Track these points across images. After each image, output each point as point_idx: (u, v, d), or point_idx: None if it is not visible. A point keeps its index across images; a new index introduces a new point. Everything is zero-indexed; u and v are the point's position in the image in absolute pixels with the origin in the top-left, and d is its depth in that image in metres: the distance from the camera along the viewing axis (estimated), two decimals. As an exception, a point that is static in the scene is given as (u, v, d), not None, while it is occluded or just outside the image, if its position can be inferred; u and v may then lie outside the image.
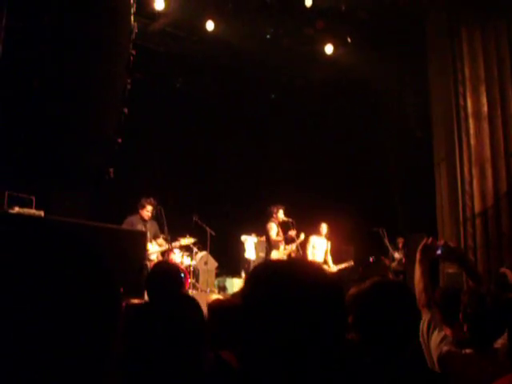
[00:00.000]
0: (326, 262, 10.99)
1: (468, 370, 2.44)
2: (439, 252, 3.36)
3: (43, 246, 1.00)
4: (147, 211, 9.35)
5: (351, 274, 11.66)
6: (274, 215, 10.63)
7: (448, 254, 3.42)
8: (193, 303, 2.38)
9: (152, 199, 9.41)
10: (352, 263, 11.12)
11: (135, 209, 9.45)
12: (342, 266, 11.04)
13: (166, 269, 4.10)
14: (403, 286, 2.43)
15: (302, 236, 10.77)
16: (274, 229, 10.57)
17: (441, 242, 3.40)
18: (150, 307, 3.87)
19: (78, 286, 0.99)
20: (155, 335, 2.19)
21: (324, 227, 11.07)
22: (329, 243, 11.14)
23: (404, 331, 2.20)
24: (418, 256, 3.35)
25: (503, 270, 7.88)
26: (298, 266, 1.51)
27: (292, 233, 10.59)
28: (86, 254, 1.08)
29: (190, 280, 10.90)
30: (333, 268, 10.88)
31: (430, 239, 3.42)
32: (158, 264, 4.89)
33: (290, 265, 1.56)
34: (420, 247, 3.37)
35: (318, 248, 11.02)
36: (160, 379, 1.97)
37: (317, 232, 11.04)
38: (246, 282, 1.52)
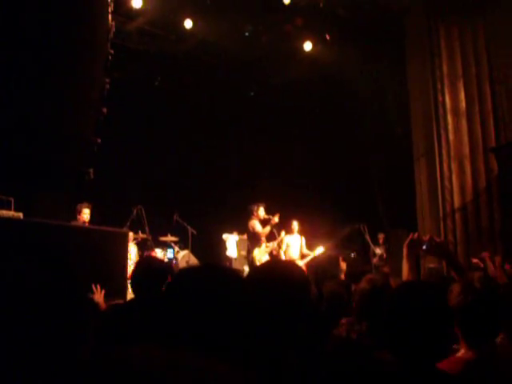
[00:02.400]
0: (303, 256, 11.00)
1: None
2: (425, 247, 3.36)
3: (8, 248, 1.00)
4: (85, 214, 9.24)
5: (333, 266, 11.64)
6: (255, 213, 10.62)
7: (434, 249, 3.41)
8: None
9: (86, 203, 9.27)
10: (322, 249, 11.04)
11: (74, 215, 9.30)
12: (309, 257, 10.99)
13: (150, 264, 4.06)
14: (434, 287, 2.36)
15: (283, 234, 10.78)
16: (257, 225, 10.56)
17: (426, 237, 3.40)
18: (127, 308, 3.85)
19: (38, 286, 0.98)
20: (131, 335, 2.18)
21: (295, 224, 11.07)
22: (303, 238, 11.14)
23: (437, 335, 2.13)
24: (404, 251, 3.35)
25: (475, 260, 7.95)
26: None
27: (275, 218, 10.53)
28: (46, 253, 1.07)
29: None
30: (301, 262, 10.84)
31: (416, 234, 3.42)
32: (143, 260, 4.85)
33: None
34: (406, 242, 3.38)
35: (293, 246, 11.03)
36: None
37: (289, 231, 11.03)
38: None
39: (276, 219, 10.44)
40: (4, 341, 0.95)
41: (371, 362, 2.13)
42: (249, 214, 10.67)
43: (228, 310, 1.45)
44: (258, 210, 10.60)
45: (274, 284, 1.93)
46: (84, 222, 9.21)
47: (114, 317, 3.77)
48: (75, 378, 1.03)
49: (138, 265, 4.14)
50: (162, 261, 4.57)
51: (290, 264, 2.36)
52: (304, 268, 10.68)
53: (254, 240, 10.59)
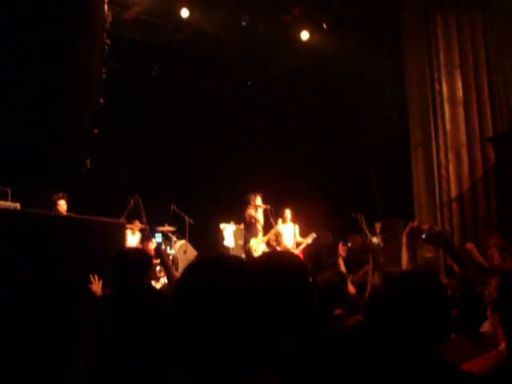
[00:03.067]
0: (298, 244, 11.02)
1: (456, 355, 2.44)
2: (424, 236, 3.35)
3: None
4: (60, 206, 9.17)
5: (330, 255, 11.66)
6: (252, 202, 10.62)
7: (433, 238, 3.39)
8: (153, 292, 2.39)
9: (62, 193, 9.19)
10: (314, 235, 11.04)
11: (52, 206, 9.22)
12: (303, 245, 10.99)
13: (129, 256, 4.08)
14: (433, 276, 2.37)
15: (280, 223, 10.79)
16: (254, 212, 10.58)
17: (426, 226, 3.38)
18: (115, 297, 3.87)
19: (33, 278, 0.98)
20: (120, 323, 2.19)
21: (288, 213, 11.07)
22: (296, 226, 11.14)
23: (436, 323, 2.15)
24: (404, 240, 3.32)
25: (469, 245, 7.94)
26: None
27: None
28: (35, 245, 1.08)
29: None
30: (296, 251, 10.86)
31: (416, 223, 3.39)
32: (123, 251, 4.86)
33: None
34: (406, 231, 3.34)
35: (287, 235, 11.04)
36: (128, 368, 1.97)
37: (282, 220, 11.03)
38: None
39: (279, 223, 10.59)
40: None
41: (364, 353, 2.13)
42: (246, 204, 10.68)
43: (243, 304, 1.44)
44: (255, 199, 10.60)
45: (272, 275, 1.94)
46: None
47: (104, 306, 3.81)
48: (72, 372, 1.03)
49: (116, 257, 4.14)
50: (141, 252, 4.57)
51: (287, 254, 2.36)
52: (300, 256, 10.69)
53: (250, 230, 10.60)
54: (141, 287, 3.77)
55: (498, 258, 7.22)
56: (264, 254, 3.61)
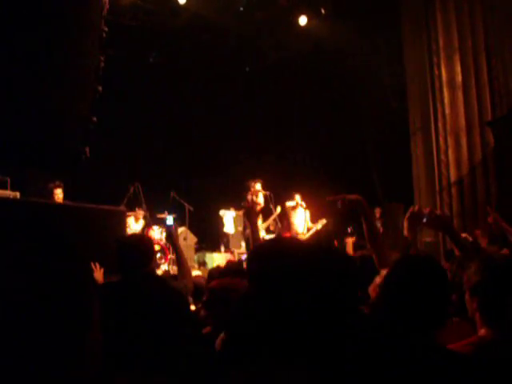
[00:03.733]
0: (309, 230, 11.05)
1: (455, 338, 2.45)
2: (425, 220, 3.34)
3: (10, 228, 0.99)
4: (56, 194, 9.08)
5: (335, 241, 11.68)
6: (252, 189, 10.64)
7: (434, 222, 3.38)
8: (158, 281, 2.39)
9: (58, 181, 9.09)
10: (324, 221, 11.07)
11: (48, 195, 9.11)
12: (312, 231, 11.02)
13: (133, 243, 3.99)
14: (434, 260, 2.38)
15: (279, 209, 10.81)
16: (250, 198, 10.60)
17: (427, 210, 3.37)
18: (121, 285, 3.83)
19: (42, 267, 0.98)
20: (126, 312, 2.19)
21: (297, 198, 11.10)
22: (307, 211, 11.16)
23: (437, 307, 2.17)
24: (405, 224, 3.33)
25: (464, 235, 7.93)
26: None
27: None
28: (49, 232, 1.07)
29: (169, 256, 10.92)
30: (306, 235, 10.89)
31: (417, 207, 3.39)
32: (126, 237, 4.82)
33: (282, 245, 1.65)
34: (407, 216, 3.35)
35: (298, 219, 11.07)
36: (134, 356, 1.97)
37: (293, 205, 11.06)
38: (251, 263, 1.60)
39: (278, 210, 10.58)
40: (6, 324, 0.94)
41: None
42: (246, 190, 10.69)
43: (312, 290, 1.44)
44: (254, 185, 10.62)
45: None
46: None
47: (107, 294, 3.76)
48: (82, 363, 1.04)
49: (119, 244, 4.05)
50: (145, 239, 4.46)
51: (291, 240, 2.36)
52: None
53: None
54: (149, 276, 3.71)
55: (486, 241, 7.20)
56: (269, 240, 3.57)
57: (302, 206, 11.09)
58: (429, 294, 2.15)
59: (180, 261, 4.54)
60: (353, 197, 3.48)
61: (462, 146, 10.76)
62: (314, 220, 11.17)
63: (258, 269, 1.54)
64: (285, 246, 1.59)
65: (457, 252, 3.38)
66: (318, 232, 10.97)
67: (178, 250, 4.73)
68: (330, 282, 1.49)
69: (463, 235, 8.13)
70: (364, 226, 3.47)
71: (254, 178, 10.78)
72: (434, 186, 10.99)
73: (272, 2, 12.45)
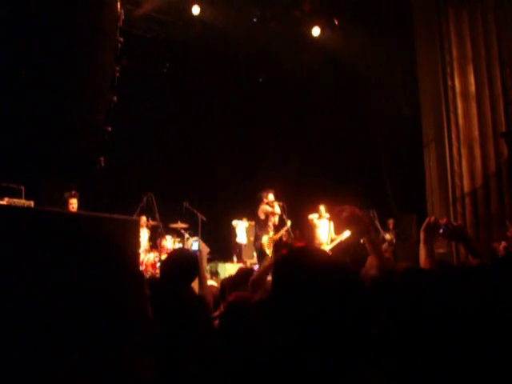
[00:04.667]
0: (332, 241, 11.04)
1: None
2: (442, 231, 3.29)
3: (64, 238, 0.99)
4: (71, 204, 9.12)
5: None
6: (265, 199, 10.64)
7: (451, 233, 3.32)
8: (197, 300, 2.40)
9: (74, 191, 9.13)
10: (348, 233, 11.01)
11: (63, 204, 9.14)
12: (336, 242, 10.99)
13: (182, 258, 3.97)
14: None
15: (289, 223, 10.76)
16: (267, 208, 10.60)
17: (443, 221, 3.32)
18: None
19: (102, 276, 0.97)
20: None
21: (322, 209, 11.13)
22: (331, 223, 11.16)
23: None
24: (421, 236, 3.26)
25: (495, 244, 7.88)
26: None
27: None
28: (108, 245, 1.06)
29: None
30: (328, 247, 10.87)
31: (433, 218, 3.32)
32: (175, 251, 4.80)
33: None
34: (423, 227, 3.28)
35: (322, 230, 11.09)
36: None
37: (318, 215, 11.09)
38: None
39: (289, 224, 10.54)
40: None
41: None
42: (258, 200, 10.70)
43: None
44: (267, 195, 10.62)
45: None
46: None
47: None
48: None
49: (169, 258, 4.05)
50: (191, 253, 4.44)
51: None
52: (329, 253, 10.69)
53: (262, 227, 10.63)
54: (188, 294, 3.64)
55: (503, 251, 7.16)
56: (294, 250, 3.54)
57: (325, 217, 11.12)
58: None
59: (202, 282, 4.55)
60: (455, 223, 3.42)
61: (475, 156, 10.71)
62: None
63: (283, 277, 1.56)
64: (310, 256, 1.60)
65: (473, 263, 3.32)
66: (341, 243, 10.94)
67: (200, 275, 4.74)
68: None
69: (495, 244, 8.08)
70: (467, 251, 3.42)
71: (267, 188, 10.78)
72: (448, 197, 10.93)
73: (285, 14, 12.50)
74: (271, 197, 10.66)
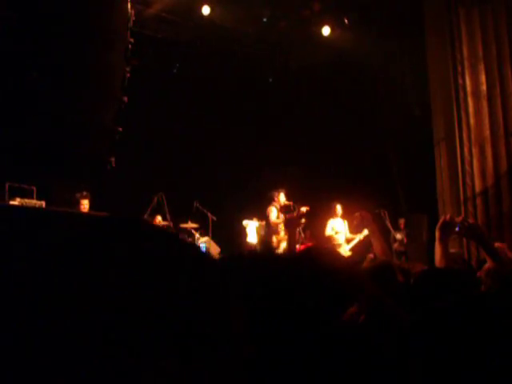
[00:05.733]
0: (348, 241, 11.01)
1: None
2: (457, 229, 3.24)
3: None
4: (83, 205, 9.12)
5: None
6: (276, 199, 10.63)
7: (466, 231, 3.26)
8: None
9: (85, 192, 9.14)
10: (366, 232, 10.95)
11: (74, 205, 9.15)
12: (355, 241, 10.94)
13: None
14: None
15: (302, 221, 10.73)
16: (273, 212, 10.57)
17: (459, 219, 3.27)
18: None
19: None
20: None
21: (339, 208, 11.07)
22: (346, 222, 11.13)
23: None
24: (437, 234, 3.22)
25: (497, 244, 7.82)
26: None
27: (303, 208, 10.41)
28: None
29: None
30: (347, 250, 10.82)
31: (449, 216, 3.28)
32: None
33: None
34: (439, 225, 3.25)
35: (339, 230, 11.04)
36: None
37: (333, 214, 11.04)
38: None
39: (303, 209, 10.37)
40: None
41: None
42: (269, 200, 10.68)
43: None
44: (278, 195, 10.61)
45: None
46: None
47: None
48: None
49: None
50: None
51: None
52: (350, 253, 10.71)
53: (271, 227, 10.61)
54: None
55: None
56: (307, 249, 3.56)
57: (341, 216, 11.06)
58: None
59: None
60: (470, 221, 3.39)
61: (486, 156, 10.65)
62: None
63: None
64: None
65: (489, 262, 3.25)
66: (360, 243, 10.90)
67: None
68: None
69: (496, 245, 8.02)
70: (483, 250, 3.39)
71: (278, 188, 10.76)
72: (459, 196, 10.88)
73: (295, 13, 12.49)
74: (282, 197, 10.64)
